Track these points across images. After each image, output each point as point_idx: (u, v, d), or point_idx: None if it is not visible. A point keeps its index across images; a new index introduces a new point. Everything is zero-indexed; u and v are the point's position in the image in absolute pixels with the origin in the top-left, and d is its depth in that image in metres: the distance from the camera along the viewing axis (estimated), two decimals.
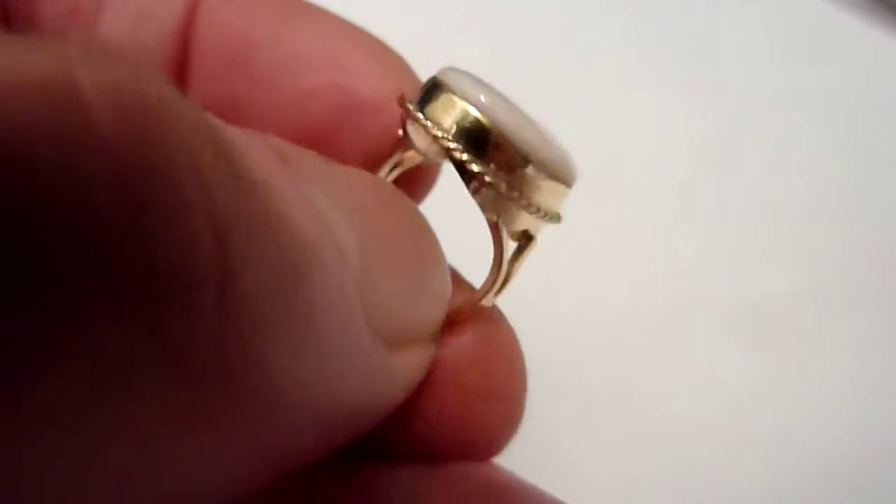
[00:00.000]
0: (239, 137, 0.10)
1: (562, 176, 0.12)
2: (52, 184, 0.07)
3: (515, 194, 0.12)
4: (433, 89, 0.12)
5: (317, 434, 0.11)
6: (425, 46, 0.28)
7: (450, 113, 0.12)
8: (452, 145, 0.12)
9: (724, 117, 0.29)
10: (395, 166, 0.14)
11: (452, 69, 0.13)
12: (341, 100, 0.14)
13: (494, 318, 0.14)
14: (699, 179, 0.27)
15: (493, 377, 0.14)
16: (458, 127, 0.12)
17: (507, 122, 0.12)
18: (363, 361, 0.11)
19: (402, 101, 0.13)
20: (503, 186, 0.12)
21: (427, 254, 0.13)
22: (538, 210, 0.12)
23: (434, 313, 0.13)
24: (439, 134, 0.12)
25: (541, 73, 0.30)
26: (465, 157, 0.12)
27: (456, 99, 0.12)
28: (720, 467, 0.21)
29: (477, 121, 0.12)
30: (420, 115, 0.12)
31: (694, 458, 0.21)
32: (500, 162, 0.12)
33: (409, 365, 0.12)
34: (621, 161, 0.28)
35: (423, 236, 0.13)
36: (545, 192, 0.12)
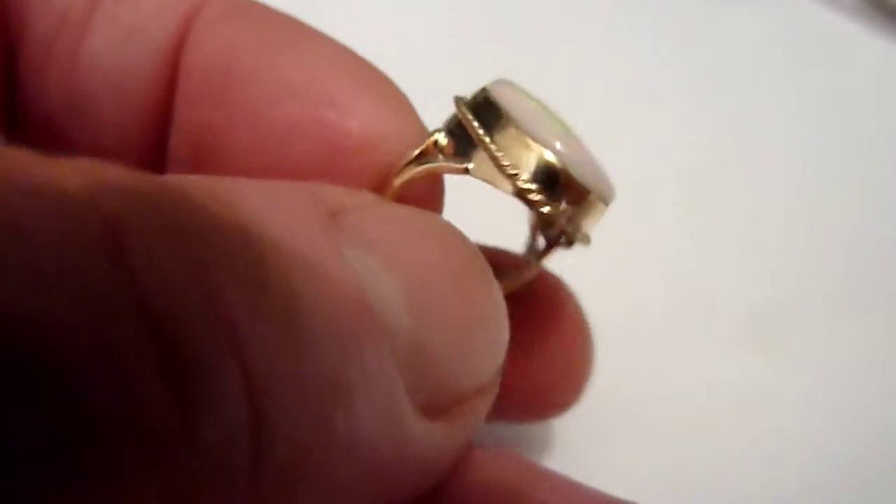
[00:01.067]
0: (280, 224, 0.09)
1: (608, 199, 0.14)
2: (95, 359, 0.07)
3: (572, 227, 0.13)
4: (493, 114, 0.13)
5: None
6: (429, 51, 0.28)
7: (524, 154, 0.13)
8: (532, 188, 0.13)
9: (724, 121, 0.29)
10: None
11: (502, 84, 0.14)
12: (326, 136, 0.13)
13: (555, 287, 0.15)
14: (701, 182, 0.27)
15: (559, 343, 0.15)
16: (534, 169, 0.13)
17: (574, 166, 0.13)
18: (406, 441, 0.10)
19: (469, 124, 0.13)
20: (565, 221, 0.13)
21: (486, 313, 0.12)
22: (583, 237, 0.14)
23: (489, 369, 0.12)
24: (519, 176, 0.13)
25: (544, 76, 0.29)
26: (539, 198, 0.13)
27: (530, 142, 0.13)
28: (723, 471, 0.21)
29: (552, 166, 0.13)
30: (494, 151, 0.13)
31: (697, 463, 0.21)
32: (568, 200, 0.13)
33: (458, 429, 0.11)
34: (622, 164, 0.28)
35: (484, 293, 0.12)
36: (592, 220, 0.14)
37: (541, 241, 0.15)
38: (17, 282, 0.07)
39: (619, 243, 0.26)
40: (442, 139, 0.13)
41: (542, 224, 0.14)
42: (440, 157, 0.13)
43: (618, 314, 0.23)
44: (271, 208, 0.10)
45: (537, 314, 0.15)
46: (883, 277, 0.25)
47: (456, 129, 0.13)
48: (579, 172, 0.13)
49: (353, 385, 0.09)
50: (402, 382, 0.10)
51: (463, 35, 0.31)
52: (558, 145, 0.13)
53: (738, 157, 0.28)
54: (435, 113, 0.14)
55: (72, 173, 0.07)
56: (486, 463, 0.12)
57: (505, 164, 0.12)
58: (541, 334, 0.14)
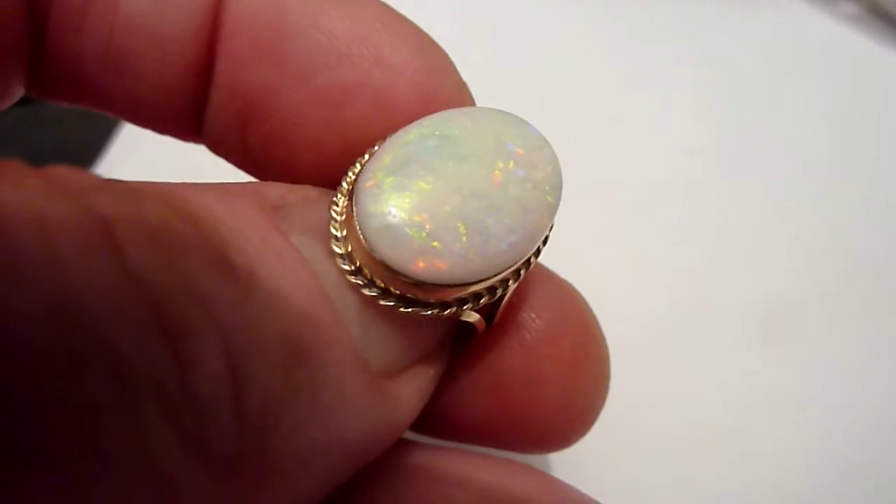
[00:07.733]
0: (232, 218, 0.11)
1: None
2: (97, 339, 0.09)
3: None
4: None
5: (325, 476, 0.11)
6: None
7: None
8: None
9: (724, 127, 0.29)
10: None
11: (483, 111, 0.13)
12: (377, 97, 0.13)
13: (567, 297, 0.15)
14: (705, 185, 0.28)
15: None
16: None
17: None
18: (364, 400, 0.12)
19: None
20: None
21: None
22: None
23: (430, 336, 0.13)
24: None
25: (548, 81, 0.30)
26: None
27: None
28: (729, 471, 0.21)
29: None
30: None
31: (703, 462, 0.21)
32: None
33: (412, 388, 0.13)
34: (627, 167, 0.28)
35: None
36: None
37: None
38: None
39: (623, 246, 0.26)
40: None
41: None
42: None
43: (623, 318, 0.23)
44: (224, 206, 0.11)
45: (549, 333, 0.15)
46: (885, 278, 0.25)
47: None
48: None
49: (311, 347, 0.10)
50: (357, 351, 0.11)
51: (465, 36, 0.31)
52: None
53: (738, 163, 0.28)
54: None
55: (59, 193, 0.09)
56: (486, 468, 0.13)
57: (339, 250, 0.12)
58: (549, 355, 0.15)
